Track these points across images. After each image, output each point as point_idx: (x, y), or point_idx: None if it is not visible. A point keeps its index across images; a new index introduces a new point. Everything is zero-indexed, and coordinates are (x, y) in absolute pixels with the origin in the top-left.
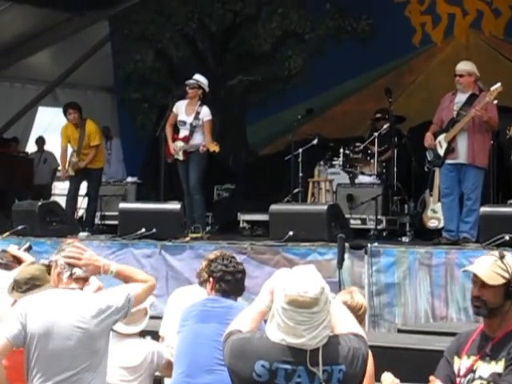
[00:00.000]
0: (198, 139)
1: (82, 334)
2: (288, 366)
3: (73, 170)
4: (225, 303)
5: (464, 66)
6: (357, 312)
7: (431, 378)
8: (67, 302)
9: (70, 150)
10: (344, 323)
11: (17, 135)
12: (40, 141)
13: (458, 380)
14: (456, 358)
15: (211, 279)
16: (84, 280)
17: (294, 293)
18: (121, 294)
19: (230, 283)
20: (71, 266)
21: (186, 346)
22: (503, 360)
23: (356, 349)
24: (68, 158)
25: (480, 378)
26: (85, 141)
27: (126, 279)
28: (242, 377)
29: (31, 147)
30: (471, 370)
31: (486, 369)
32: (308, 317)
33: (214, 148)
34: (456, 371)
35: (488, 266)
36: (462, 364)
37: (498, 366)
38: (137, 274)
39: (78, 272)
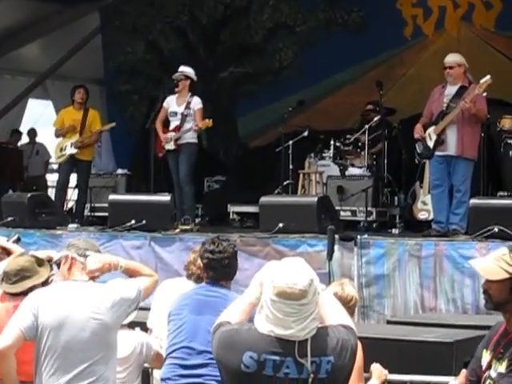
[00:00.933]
0: (189, 127)
1: (98, 326)
2: (276, 357)
3: (76, 148)
4: (218, 292)
5: (453, 58)
6: (347, 303)
7: (462, 371)
8: (81, 294)
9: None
10: (334, 315)
11: (7, 127)
12: (32, 132)
13: (482, 375)
14: (484, 351)
15: (202, 265)
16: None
17: (283, 284)
18: (132, 286)
19: (216, 270)
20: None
21: (180, 338)
22: (506, 360)
23: (345, 340)
24: (62, 143)
25: (489, 377)
26: (86, 124)
27: (133, 274)
28: (230, 368)
29: (21, 139)
30: (489, 367)
31: (496, 367)
32: (297, 308)
33: (207, 124)
34: (482, 365)
35: (493, 259)
36: (485, 358)
37: (502, 367)
38: (143, 269)
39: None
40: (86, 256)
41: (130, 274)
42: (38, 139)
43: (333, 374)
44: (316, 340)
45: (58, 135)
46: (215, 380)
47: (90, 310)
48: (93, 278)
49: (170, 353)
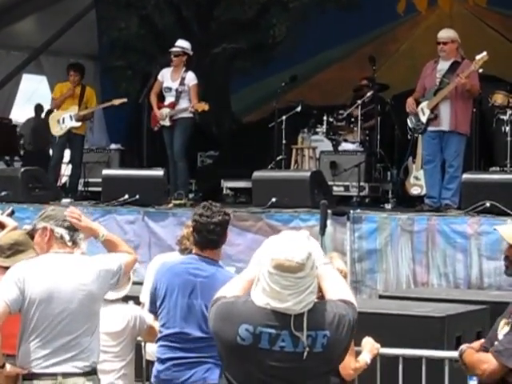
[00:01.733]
0: (184, 104)
1: (84, 297)
2: (272, 331)
3: (77, 121)
4: (209, 271)
5: (447, 34)
6: None
7: (480, 340)
8: (67, 265)
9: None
10: (334, 288)
11: (1, 102)
12: (38, 108)
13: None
14: (502, 321)
15: (192, 230)
16: (75, 244)
17: (281, 257)
18: (115, 260)
19: (201, 234)
20: (72, 230)
21: (174, 322)
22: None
23: (342, 315)
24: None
25: (497, 340)
26: (84, 100)
27: (112, 247)
28: (226, 340)
29: (15, 114)
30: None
31: (504, 331)
32: (293, 281)
33: (203, 107)
34: (498, 333)
35: None
36: (500, 327)
37: (508, 327)
38: (123, 245)
39: (78, 237)
40: (65, 227)
41: (110, 246)
42: (30, 115)
43: (328, 348)
44: (312, 314)
45: (55, 105)
46: (213, 358)
47: (76, 281)
48: (74, 246)
49: (164, 335)
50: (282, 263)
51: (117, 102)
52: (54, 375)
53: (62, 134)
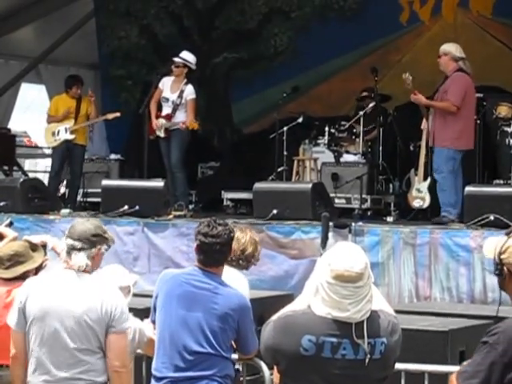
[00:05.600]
0: (180, 117)
1: (81, 315)
2: (334, 339)
3: (71, 133)
4: (211, 284)
5: (442, 46)
6: None
7: None
8: (67, 283)
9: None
10: (380, 305)
11: (0, 111)
12: None
13: None
14: None
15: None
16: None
17: (341, 268)
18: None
19: (207, 255)
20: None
21: (169, 333)
22: None
23: (394, 323)
24: (54, 127)
25: None
26: (81, 112)
27: None
28: (289, 352)
29: (14, 124)
30: None
31: None
32: (353, 291)
33: (193, 125)
34: None
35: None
36: None
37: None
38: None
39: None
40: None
41: None
42: (28, 124)
43: (386, 354)
44: (370, 322)
45: (50, 122)
46: (210, 373)
47: (73, 298)
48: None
49: (158, 348)
50: (342, 274)
51: (110, 116)
52: None
53: (56, 146)
